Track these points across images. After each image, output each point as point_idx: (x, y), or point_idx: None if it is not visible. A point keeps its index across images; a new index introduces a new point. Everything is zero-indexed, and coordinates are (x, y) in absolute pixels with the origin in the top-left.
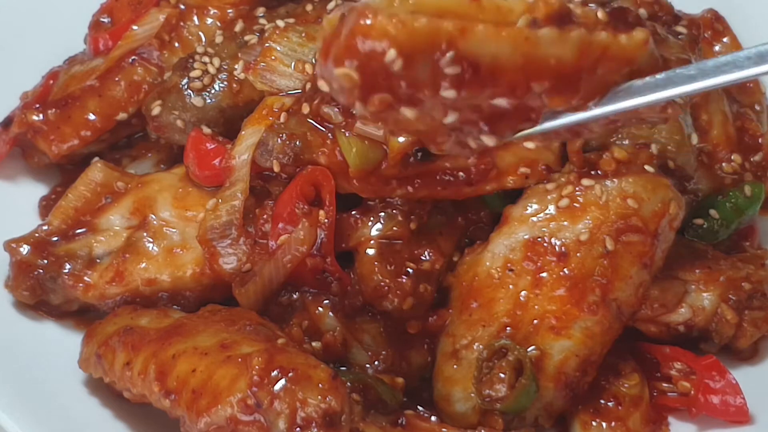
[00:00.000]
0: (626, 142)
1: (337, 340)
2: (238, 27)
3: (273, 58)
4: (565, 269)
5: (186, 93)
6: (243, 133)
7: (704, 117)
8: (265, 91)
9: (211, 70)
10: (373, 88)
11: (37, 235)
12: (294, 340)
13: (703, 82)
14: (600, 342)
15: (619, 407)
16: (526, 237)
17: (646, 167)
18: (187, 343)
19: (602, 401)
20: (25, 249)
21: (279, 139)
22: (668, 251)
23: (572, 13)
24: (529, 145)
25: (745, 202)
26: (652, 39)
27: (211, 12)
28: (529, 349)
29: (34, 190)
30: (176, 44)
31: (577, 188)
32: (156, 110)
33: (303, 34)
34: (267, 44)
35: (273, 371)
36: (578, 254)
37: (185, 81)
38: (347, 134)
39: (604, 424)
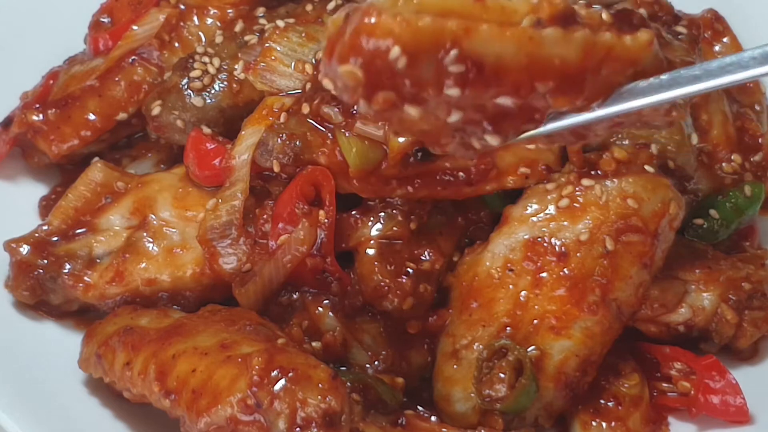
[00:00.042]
0: (626, 142)
1: (337, 340)
2: (238, 27)
3: (273, 58)
4: (565, 269)
5: (186, 93)
6: (243, 133)
7: (704, 117)
8: (265, 91)
9: (211, 70)
10: (377, 87)
11: (37, 235)
12: (294, 340)
13: (707, 82)
14: (600, 342)
15: (619, 407)
16: (526, 237)
17: (646, 167)
18: (187, 343)
19: (602, 401)
20: (25, 249)
21: (279, 139)
22: (668, 251)
23: (577, 14)
24: (529, 145)
25: (745, 202)
26: (657, 41)
27: (211, 12)
28: (529, 349)
29: (34, 190)
30: (176, 44)
31: (577, 188)
32: (156, 110)
33: (303, 34)
34: (267, 44)
35: (273, 371)
36: (578, 254)
37: (185, 81)
38: (347, 134)
39: (604, 424)
